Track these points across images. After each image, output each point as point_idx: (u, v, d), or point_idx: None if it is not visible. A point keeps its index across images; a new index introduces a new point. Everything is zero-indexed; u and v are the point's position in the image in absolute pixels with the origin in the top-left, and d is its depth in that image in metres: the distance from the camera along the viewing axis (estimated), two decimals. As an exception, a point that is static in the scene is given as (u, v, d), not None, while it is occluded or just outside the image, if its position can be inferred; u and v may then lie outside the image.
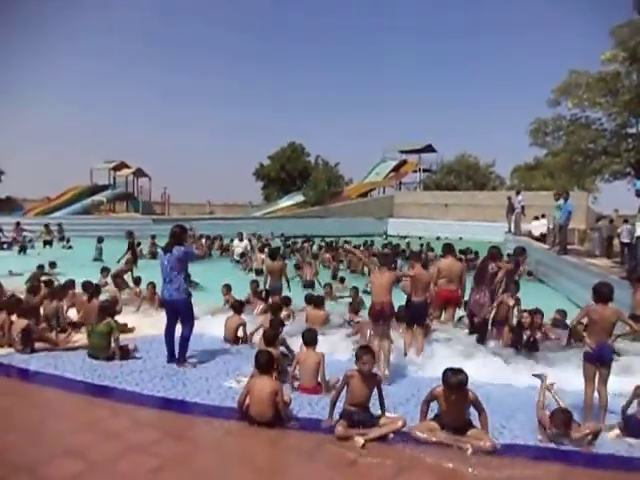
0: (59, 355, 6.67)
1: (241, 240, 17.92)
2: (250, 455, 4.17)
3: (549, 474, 3.98)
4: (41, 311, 7.80)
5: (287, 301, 8.80)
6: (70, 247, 21.01)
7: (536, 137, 21.29)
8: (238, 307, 7.77)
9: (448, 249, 8.44)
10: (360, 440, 4.25)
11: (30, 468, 3.77)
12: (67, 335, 7.31)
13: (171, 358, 6.49)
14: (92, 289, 8.36)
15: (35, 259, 14.78)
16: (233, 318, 7.62)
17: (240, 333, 7.47)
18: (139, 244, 17.34)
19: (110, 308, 7.09)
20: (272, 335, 5.91)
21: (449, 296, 8.10)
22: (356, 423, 4.50)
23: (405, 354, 6.90)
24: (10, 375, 5.99)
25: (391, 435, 4.42)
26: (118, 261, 13.99)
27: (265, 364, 4.86)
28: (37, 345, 6.81)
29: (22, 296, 8.08)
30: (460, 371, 4.40)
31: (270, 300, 8.88)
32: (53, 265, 13.39)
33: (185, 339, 6.47)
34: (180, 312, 6.48)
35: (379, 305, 6.20)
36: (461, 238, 24.34)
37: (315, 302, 8.52)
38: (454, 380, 4.32)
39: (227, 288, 9.90)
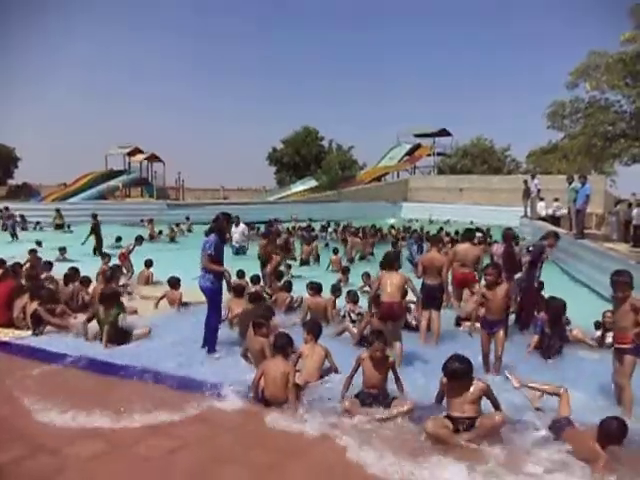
0: (74, 337, 6.76)
1: (237, 225, 16.51)
2: (264, 436, 4.20)
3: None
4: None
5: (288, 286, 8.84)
6: (71, 232, 21.27)
7: (553, 120, 21.00)
8: (240, 291, 7.77)
9: (467, 235, 8.55)
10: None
11: (52, 448, 3.85)
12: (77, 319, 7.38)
13: (204, 345, 6.37)
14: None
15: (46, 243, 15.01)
16: (236, 301, 7.56)
17: None
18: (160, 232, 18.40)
19: (117, 293, 7.15)
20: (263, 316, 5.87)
21: (462, 277, 8.12)
22: (368, 404, 4.52)
23: (422, 338, 6.89)
24: (27, 356, 6.10)
25: (399, 418, 4.40)
26: (82, 243, 15.32)
27: (282, 346, 4.89)
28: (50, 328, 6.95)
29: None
30: (459, 359, 4.19)
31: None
32: (63, 250, 13.54)
33: (211, 329, 6.33)
34: (207, 300, 6.41)
35: (388, 305, 5.91)
36: (472, 222, 24.04)
37: (313, 288, 8.06)
38: (449, 368, 4.17)
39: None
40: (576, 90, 19.48)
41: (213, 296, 6.36)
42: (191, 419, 4.46)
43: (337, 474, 3.60)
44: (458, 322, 7.76)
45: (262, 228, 17.40)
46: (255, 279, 9.29)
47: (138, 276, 10.80)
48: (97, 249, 14.86)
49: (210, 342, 6.30)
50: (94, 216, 15.89)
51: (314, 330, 5.64)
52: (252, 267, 10.22)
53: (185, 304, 8.66)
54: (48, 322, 7.01)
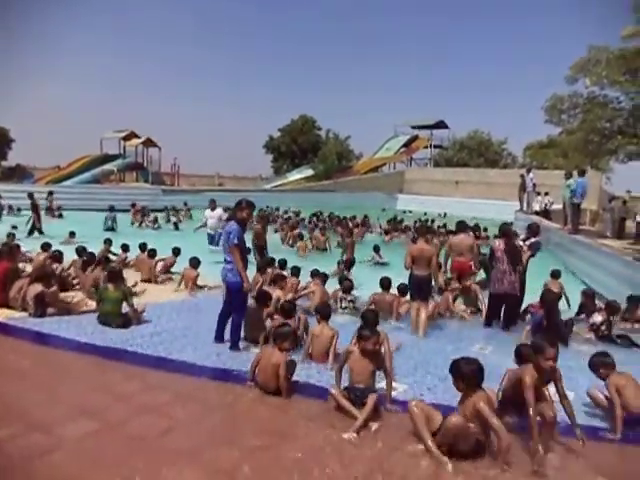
0: (72, 320, 6.78)
1: (213, 209, 14.69)
2: (258, 418, 4.24)
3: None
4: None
5: (296, 271, 8.94)
6: (61, 215, 21.22)
7: (552, 114, 20.90)
8: None
9: (460, 226, 8.93)
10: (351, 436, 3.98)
11: (46, 427, 3.86)
12: (79, 301, 7.40)
13: (218, 339, 6.11)
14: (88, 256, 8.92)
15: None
16: None
17: None
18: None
19: (120, 274, 7.15)
20: (288, 307, 6.02)
21: (460, 267, 8.46)
22: (353, 401, 4.34)
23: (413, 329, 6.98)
24: (25, 338, 6.10)
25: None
26: (27, 223, 15.91)
27: (279, 337, 4.81)
28: (49, 310, 6.94)
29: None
30: (470, 361, 3.90)
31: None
32: (73, 235, 13.58)
33: (236, 325, 5.98)
34: (232, 295, 5.99)
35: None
36: (474, 218, 24.11)
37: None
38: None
39: None
40: (575, 85, 19.38)
41: (239, 291, 5.88)
42: (185, 400, 4.48)
43: (328, 455, 3.62)
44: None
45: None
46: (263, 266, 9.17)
47: (135, 261, 10.72)
48: (37, 228, 15.66)
49: (233, 339, 5.94)
50: (30, 195, 16.82)
51: (323, 312, 5.80)
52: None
53: (200, 287, 8.76)
54: (52, 304, 7.00)
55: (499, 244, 7.41)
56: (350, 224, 18.67)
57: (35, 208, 16.14)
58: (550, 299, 6.91)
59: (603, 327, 7.26)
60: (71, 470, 3.30)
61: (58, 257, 8.89)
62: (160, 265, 10.16)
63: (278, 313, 6.13)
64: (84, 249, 9.53)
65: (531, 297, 7.95)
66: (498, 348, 6.37)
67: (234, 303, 5.97)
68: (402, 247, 15.54)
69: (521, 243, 7.50)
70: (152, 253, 10.13)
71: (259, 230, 11.97)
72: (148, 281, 9.58)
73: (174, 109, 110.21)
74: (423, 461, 3.62)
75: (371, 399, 4.23)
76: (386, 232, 18.82)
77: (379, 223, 21.44)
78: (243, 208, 5.94)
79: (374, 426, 4.12)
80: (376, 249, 13.93)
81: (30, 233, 15.28)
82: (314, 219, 21.77)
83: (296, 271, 8.93)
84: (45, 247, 9.97)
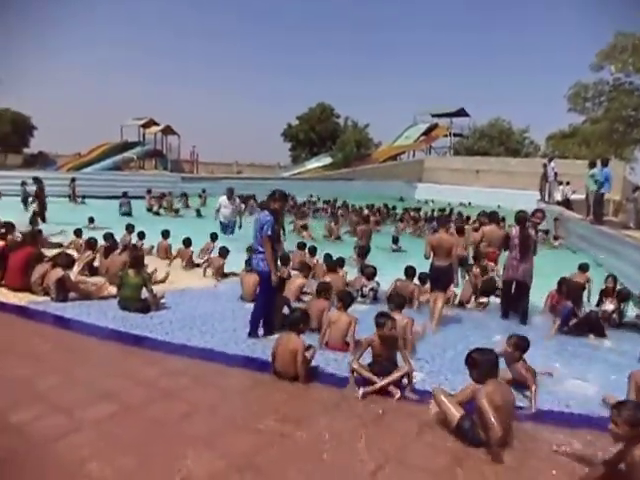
0: (92, 304, 6.87)
1: (230, 199, 14.02)
2: (276, 404, 4.25)
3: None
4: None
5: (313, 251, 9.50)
6: (83, 202, 21.36)
7: (575, 102, 20.54)
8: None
9: (492, 217, 9.10)
10: (360, 392, 4.39)
11: (68, 409, 3.92)
12: (101, 286, 7.47)
13: (265, 330, 6.04)
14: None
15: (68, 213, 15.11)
16: (250, 276, 7.54)
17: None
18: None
19: (142, 260, 7.21)
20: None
21: (488, 257, 8.63)
22: (376, 373, 4.59)
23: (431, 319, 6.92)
24: (47, 322, 6.20)
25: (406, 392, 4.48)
26: (25, 208, 15.73)
27: (294, 322, 4.89)
28: (71, 295, 7.05)
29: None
30: (485, 351, 3.95)
31: None
32: (92, 220, 13.72)
33: (257, 310, 5.98)
34: (262, 283, 6.01)
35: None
36: (499, 207, 23.72)
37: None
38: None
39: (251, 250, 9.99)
40: (601, 73, 18.95)
41: (269, 280, 5.90)
42: (204, 386, 4.52)
43: (344, 443, 3.62)
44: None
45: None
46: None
47: (157, 247, 10.84)
48: (40, 215, 14.55)
49: (251, 325, 5.97)
50: (36, 179, 15.91)
51: (344, 299, 5.81)
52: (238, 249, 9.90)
53: (225, 275, 8.82)
54: (72, 289, 7.09)
55: (515, 232, 7.41)
56: (367, 212, 18.53)
57: (40, 194, 15.35)
58: (575, 290, 7.04)
59: (614, 315, 7.33)
60: (91, 451, 3.34)
61: (93, 244, 8.97)
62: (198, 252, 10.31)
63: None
64: (111, 235, 9.65)
65: (547, 288, 7.99)
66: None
67: (262, 291, 6.01)
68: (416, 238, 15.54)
69: (532, 231, 7.44)
70: (188, 242, 10.16)
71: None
72: (189, 267, 9.82)
73: (193, 97, 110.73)
74: (442, 451, 3.60)
75: (398, 371, 4.51)
76: (400, 220, 18.58)
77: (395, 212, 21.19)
78: (276, 199, 5.97)
79: (396, 395, 4.38)
80: (394, 240, 13.82)
81: (32, 222, 13.56)
82: (325, 206, 21.77)
83: (313, 250, 9.44)
84: (78, 233, 10.47)
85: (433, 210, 22.15)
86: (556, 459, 3.58)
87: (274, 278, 5.85)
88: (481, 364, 3.81)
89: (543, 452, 3.68)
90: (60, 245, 10.95)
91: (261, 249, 5.84)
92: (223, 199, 14.05)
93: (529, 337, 4.81)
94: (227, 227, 13.66)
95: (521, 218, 7.47)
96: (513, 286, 7.51)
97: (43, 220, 14.43)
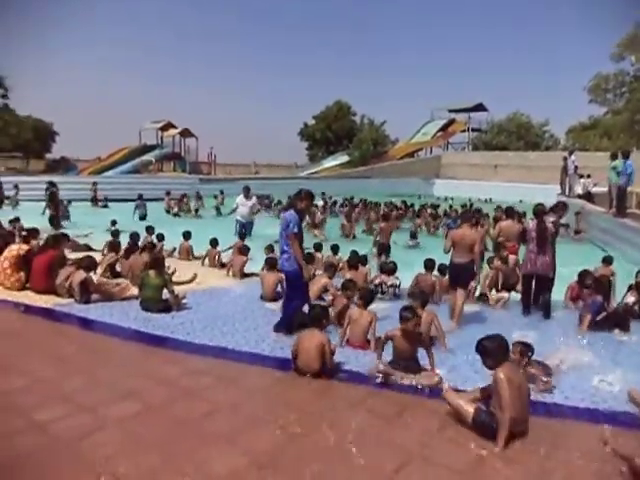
0: (115, 305, 6.97)
1: (247, 197, 13.84)
2: (297, 402, 4.26)
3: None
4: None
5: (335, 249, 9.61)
6: (106, 206, 21.63)
7: (596, 94, 20.21)
8: (274, 264, 7.81)
9: (508, 212, 9.46)
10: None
11: (92, 408, 3.98)
12: (123, 287, 7.56)
13: (286, 328, 5.96)
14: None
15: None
16: (270, 275, 7.64)
17: (279, 289, 7.48)
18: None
19: (163, 261, 7.28)
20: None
21: (508, 250, 8.66)
22: (398, 370, 4.65)
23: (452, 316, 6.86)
24: (71, 323, 6.31)
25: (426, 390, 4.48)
26: (43, 212, 15.45)
27: (317, 318, 4.96)
28: (94, 296, 7.15)
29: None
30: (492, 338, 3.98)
31: None
32: (114, 223, 13.92)
33: (288, 311, 5.97)
34: (288, 283, 6.07)
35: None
36: (521, 201, 23.39)
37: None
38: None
39: (269, 249, 10.06)
40: (621, 63, 18.59)
41: (297, 280, 5.92)
42: (226, 385, 4.55)
43: (367, 441, 3.61)
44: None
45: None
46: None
47: (179, 249, 10.93)
48: (54, 219, 14.73)
49: (282, 324, 5.96)
50: (52, 184, 15.95)
51: (365, 296, 5.83)
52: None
53: (247, 275, 8.92)
54: (95, 291, 7.20)
55: (532, 225, 7.34)
56: (386, 209, 18.44)
57: (54, 197, 15.24)
58: (604, 284, 6.97)
59: (636, 307, 7.21)
60: (115, 450, 3.39)
61: (116, 246, 9.10)
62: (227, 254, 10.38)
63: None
64: (137, 235, 9.81)
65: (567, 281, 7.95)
66: (538, 336, 6.20)
67: (293, 291, 5.98)
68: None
69: (550, 225, 7.33)
70: (215, 242, 10.28)
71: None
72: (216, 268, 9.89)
73: (210, 100, 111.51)
74: (465, 448, 3.57)
75: (427, 378, 4.56)
76: (418, 216, 18.39)
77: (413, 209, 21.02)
78: (302, 198, 5.95)
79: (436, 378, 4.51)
80: (412, 236, 13.77)
81: (53, 225, 14.27)
82: (339, 207, 21.73)
83: (335, 248, 9.55)
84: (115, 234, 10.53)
85: (451, 206, 21.96)
86: (581, 457, 3.52)
87: (306, 275, 5.87)
88: (493, 351, 3.86)
89: (568, 450, 3.62)
90: (88, 247, 11.18)
91: (286, 248, 5.81)
92: (240, 198, 14.04)
93: (555, 331, 4.80)
94: (244, 226, 13.52)
95: (538, 211, 7.41)
96: (533, 281, 7.42)
97: (58, 224, 14.53)
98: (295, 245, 5.73)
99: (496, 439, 3.56)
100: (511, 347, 4.43)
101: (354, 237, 15.11)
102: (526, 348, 4.66)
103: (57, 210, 15.18)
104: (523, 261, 7.61)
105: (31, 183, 22.22)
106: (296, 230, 5.74)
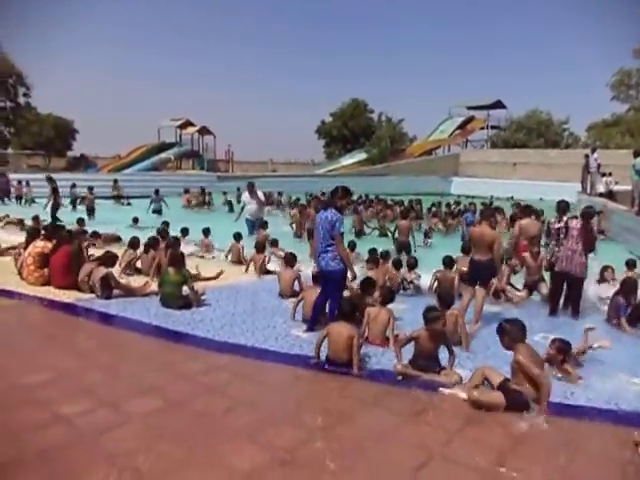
0: (136, 301, 7.04)
1: (251, 194, 13.24)
2: (317, 399, 4.27)
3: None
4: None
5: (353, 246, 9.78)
6: (129, 204, 21.94)
7: (618, 90, 19.90)
8: (291, 260, 7.84)
9: (526, 211, 9.26)
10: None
11: (114, 403, 4.03)
12: (144, 284, 7.63)
13: (311, 326, 5.96)
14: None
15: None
16: (287, 271, 7.67)
17: (296, 286, 7.49)
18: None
19: (181, 258, 7.34)
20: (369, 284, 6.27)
21: (525, 249, 8.43)
22: (418, 369, 4.67)
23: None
24: (92, 318, 6.40)
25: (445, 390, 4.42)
26: (45, 207, 16.22)
27: (346, 312, 5.04)
28: (115, 292, 7.24)
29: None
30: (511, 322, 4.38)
31: None
32: (136, 220, 14.16)
33: (332, 311, 5.80)
34: (332, 283, 5.85)
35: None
36: (541, 199, 23.06)
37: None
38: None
39: (274, 244, 10.11)
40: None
41: (343, 279, 5.88)
42: (245, 381, 4.58)
43: (387, 439, 3.60)
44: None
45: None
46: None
47: (199, 245, 11.07)
48: (52, 215, 15.22)
49: (313, 319, 5.97)
50: (50, 179, 16.65)
51: (385, 294, 5.92)
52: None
53: (269, 271, 8.99)
54: (117, 286, 7.28)
55: (576, 223, 7.19)
56: (402, 207, 18.25)
57: (55, 193, 15.93)
58: (629, 286, 6.95)
59: None
60: (138, 444, 3.42)
61: (135, 243, 9.19)
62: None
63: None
64: (165, 231, 10.05)
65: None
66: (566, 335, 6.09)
67: (336, 291, 5.86)
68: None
69: (594, 228, 7.30)
70: (238, 237, 10.40)
71: (296, 215, 12.05)
72: (239, 263, 9.90)
73: (228, 98, 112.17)
74: (486, 447, 3.54)
75: (447, 376, 4.58)
76: (434, 215, 18.18)
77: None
78: (340, 196, 5.88)
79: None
80: (426, 234, 13.67)
81: (54, 219, 14.59)
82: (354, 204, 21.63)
83: (353, 245, 9.73)
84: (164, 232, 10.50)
85: (465, 205, 21.63)
86: (605, 457, 3.48)
87: (350, 276, 5.89)
88: (510, 330, 4.25)
89: (592, 451, 3.58)
90: (118, 238, 11.47)
91: (330, 248, 5.72)
92: (245, 195, 13.56)
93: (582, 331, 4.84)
94: (254, 224, 12.89)
95: (587, 213, 7.35)
96: (564, 280, 7.24)
97: (55, 220, 14.53)
98: (341, 245, 5.71)
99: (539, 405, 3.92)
100: (548, 343, 4.74)
101: (363, 233, 14.89)
102: (564, 345, 4.67)
103: (56, 207, 15.88)
104: (556, 258, 7.37)
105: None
106: (342, 230, 5.70)
